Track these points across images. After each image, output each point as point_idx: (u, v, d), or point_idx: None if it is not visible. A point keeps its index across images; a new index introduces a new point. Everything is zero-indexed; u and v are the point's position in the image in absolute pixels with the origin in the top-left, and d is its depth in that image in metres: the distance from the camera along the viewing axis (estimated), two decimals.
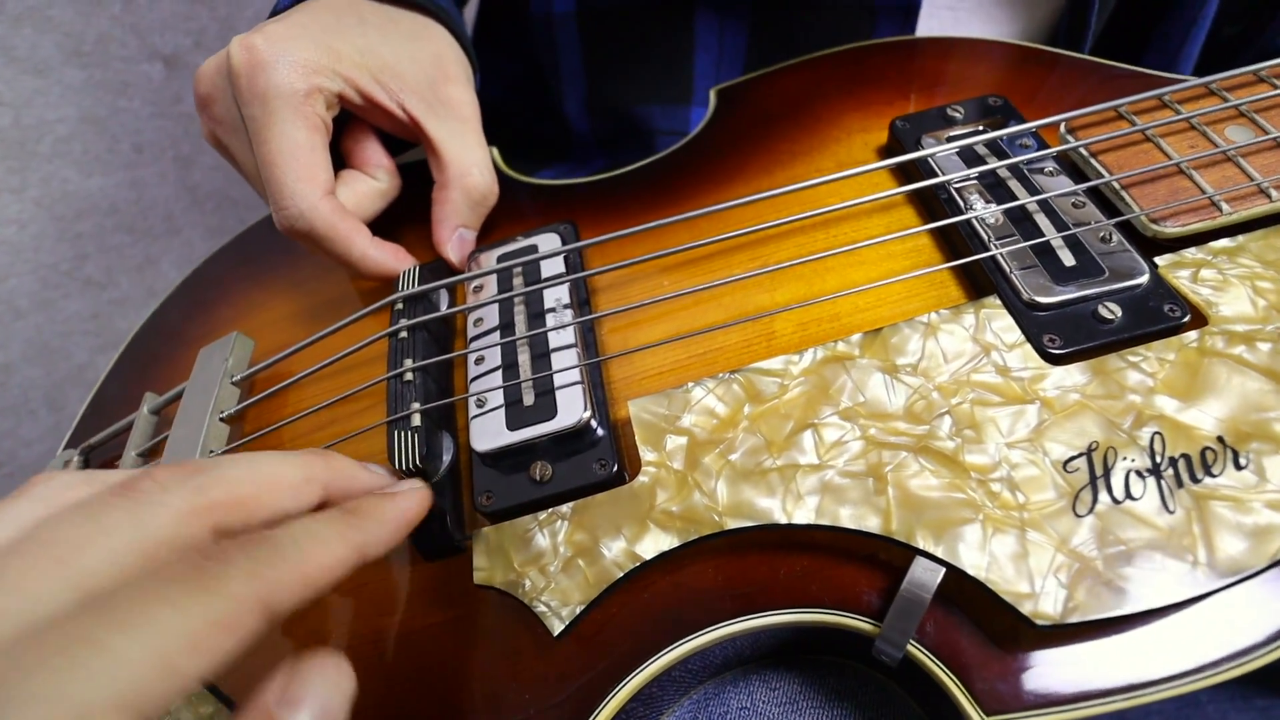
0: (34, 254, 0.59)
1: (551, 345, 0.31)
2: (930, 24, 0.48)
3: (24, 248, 0.58)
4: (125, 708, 0.15)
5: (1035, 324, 0.28)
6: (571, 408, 0.29)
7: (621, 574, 0.26)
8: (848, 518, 0.25)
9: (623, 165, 0.43)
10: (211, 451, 0.35)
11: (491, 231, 0.41)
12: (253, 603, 0.17)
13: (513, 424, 0.29)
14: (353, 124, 0.41)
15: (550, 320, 0.32)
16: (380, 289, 0.39)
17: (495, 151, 0.43)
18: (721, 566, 0.27)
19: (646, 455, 0.28)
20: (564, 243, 0.35)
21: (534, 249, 0.35)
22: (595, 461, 0.28)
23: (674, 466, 0.28)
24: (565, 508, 0.28)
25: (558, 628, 0.25)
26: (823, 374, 0.29)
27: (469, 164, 0.39)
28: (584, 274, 0.33)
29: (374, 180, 0.40)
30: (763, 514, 0.26)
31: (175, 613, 0.16)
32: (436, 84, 0.39)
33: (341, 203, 0.37)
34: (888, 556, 0.26)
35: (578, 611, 0.26)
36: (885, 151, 0.38)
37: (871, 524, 0.25)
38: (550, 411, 0.29)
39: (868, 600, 0.26)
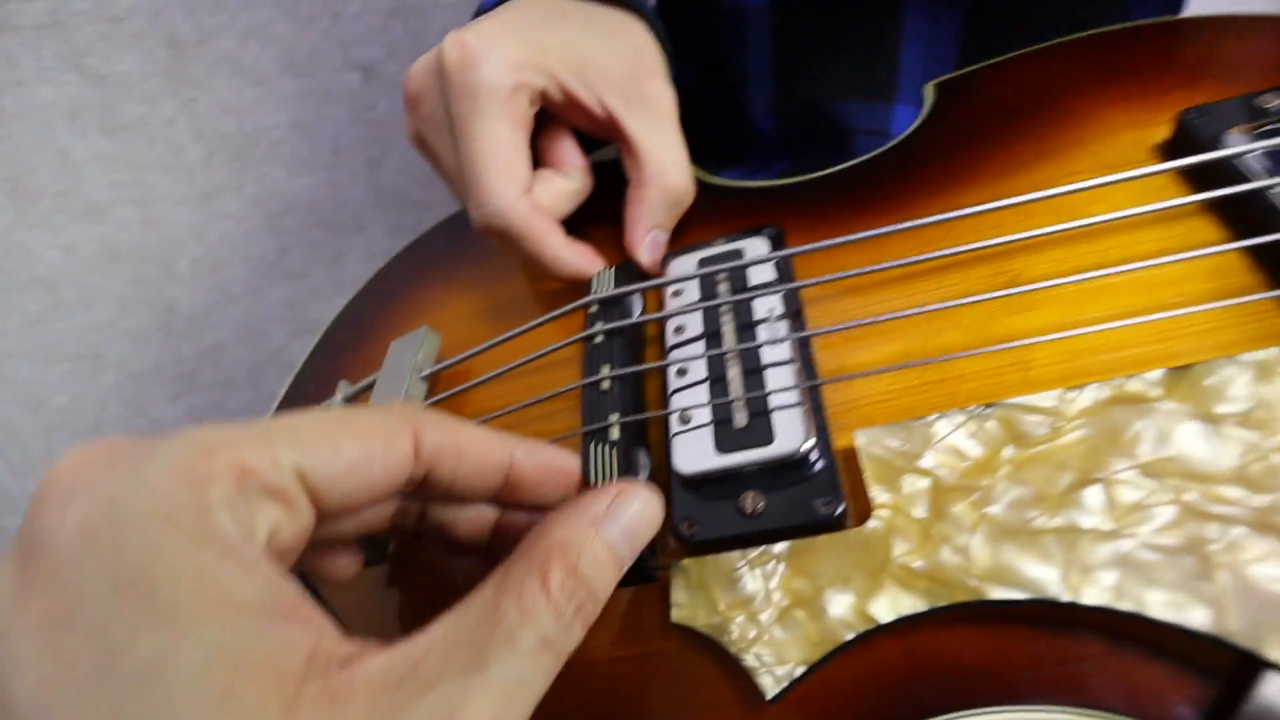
0: (246, 246, 0.64)
1: (764, 361, 0.28)
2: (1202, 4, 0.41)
3: (239, 240, 0.64)
4: None
5: None
6: (790, 433, 0.25)
7: (852, 635, 0.22)
8: (1160, 606, 0.20)
9: (810, 168, 0.39)
10: None
11: (680, 237, 0.38)
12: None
13: (723, 446, 0.26)
14: (548, 122, 0.40)
15: (763, 334, 0.28)
16: (566, 291, 0.38)
17: None
18: (971, 639, 0.22)
19: (879, 496, 0.24)
20: (773, 248, 0.32)
21: (739, 254, 0.32)
22: (818, 498, 0.25)
23: (914, 514, 0.23)
24: (780, 547, 0.24)
25: (772, 689, 0.22)
26: (1109, 416, 0.23)
27: (667, 162, 0.36)
28: (799, 284, 0.29)
29: (568, 180, 0.39)
30: (1034, 585, 0.21)
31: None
32: (637, 80, 0.38)
33: (538, 201, 0.36)
34: (1211, 661, 0.20)
35: (797, 674, 0.22)
36: (1168, 150, 0.32)
37: (1197, 619, 0.19)
38: (765, 435, 0.25)
39: (1177, 714, 0.20)
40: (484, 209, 0.34)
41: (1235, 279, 0.26)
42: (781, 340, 0.28)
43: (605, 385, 0.28)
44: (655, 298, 0.36)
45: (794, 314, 0.30)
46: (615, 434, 0.27)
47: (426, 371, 0.38)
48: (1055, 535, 0.22)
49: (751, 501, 0.25)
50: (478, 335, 0.37)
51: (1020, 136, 0.35)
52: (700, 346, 0.29)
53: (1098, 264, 0.28)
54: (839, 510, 0.24)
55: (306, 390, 0.48)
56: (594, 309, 0.32)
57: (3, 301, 0.55)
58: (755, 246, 0.33)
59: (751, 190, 0.40)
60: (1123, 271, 0.27)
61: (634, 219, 0.36)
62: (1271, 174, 0.26)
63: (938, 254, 0.28)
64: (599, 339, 0.30)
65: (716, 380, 0.28)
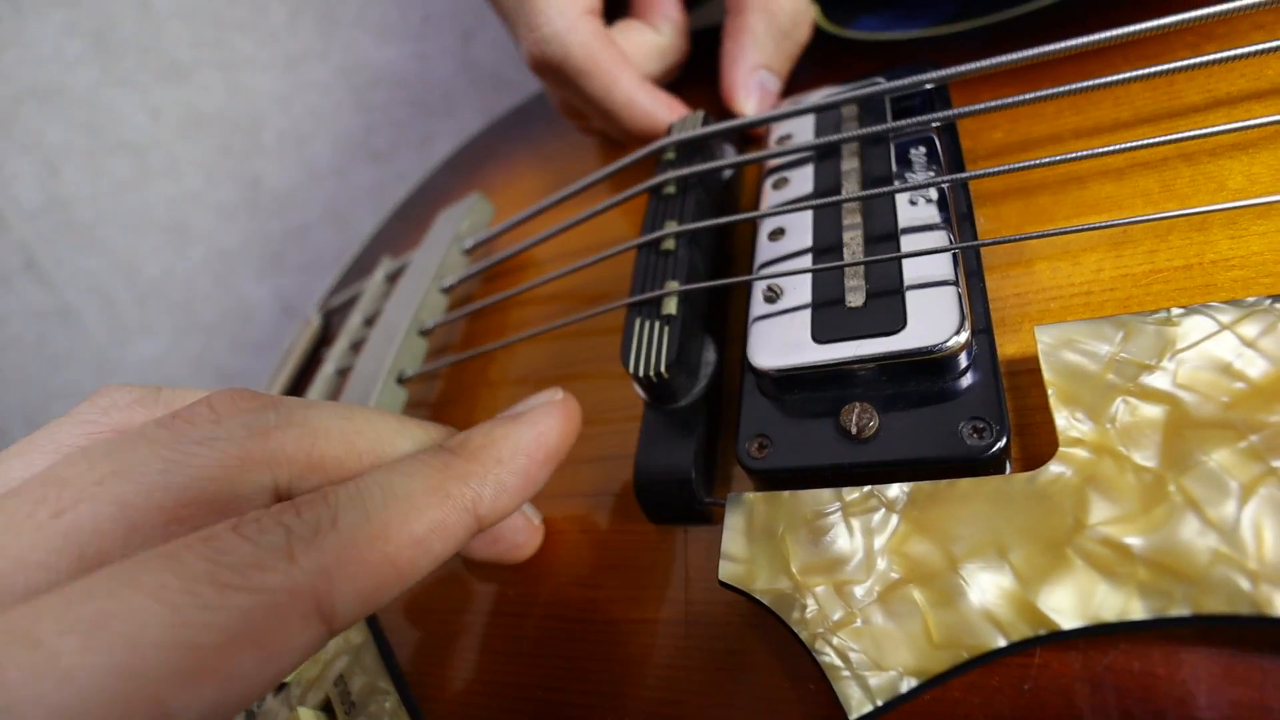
0: (333, 121, 0.60)
1: (902, 224, 0.18)
2: None
3: (325, 114, 0.60)
4: None
5: None
6: (936, 319, 0.16)
7: (1004, 643, 0.14)
8: None
9: (983, 12, 0.27)
10: (423, 324, 0.28)
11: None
12: (290, 602, 0.11)
13: (824, 333, 0.17)
14: None
15: (906, 182, 0.19)
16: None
17: None
18: (1211, 678, 0.13)
19: (1071, 427, 0.15)
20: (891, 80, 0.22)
21: (875, 85, 0.23)
22: (966, 421, 0.16)
23: (1133, 457, 0.14)
24: (895, 491, 0.16)
25: (860, 706, 0.14)
26: None
27: None
28: (955, 112, 0.19)
29: (657, 34, 0.30)
30: None
31: (150, 620, 0.10)
32: None
33: (607, 31, 0.28)
34: None
35: (904, 689, 0.14)
36: None
37: None
38: (894, 321, 0.17)
39: None
40: (538, 32, 0.26)
41: None
42: (929, 187, 0.18)
43: (669, 244, 0.20)
44: (762, 146, 0.27)
45: (956, 166, 0.20)
46: (672, 306, 0.19)
47: (470, 243, 0.31)
48: None
49: (859, 418, 0.17)
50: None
51: None
52: (805, 203, 0.20)
53: None
54: (1000, 443, 0.15)
55: (361, 271, 0.43)
56: (669, 155, 0.24)
57: (93, 164, 0.55)
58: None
59: (891, 44, 0.29)
60: None
61: (733, 55, 0.27)
62: None
63: (1182, 64, 0.17)
64: (669, 189, 0.22)
65: (827, 249, 0.19)
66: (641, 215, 0.23)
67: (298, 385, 0.38)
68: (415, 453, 0.14)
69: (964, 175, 0.18)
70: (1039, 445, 0.16)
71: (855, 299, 0.18)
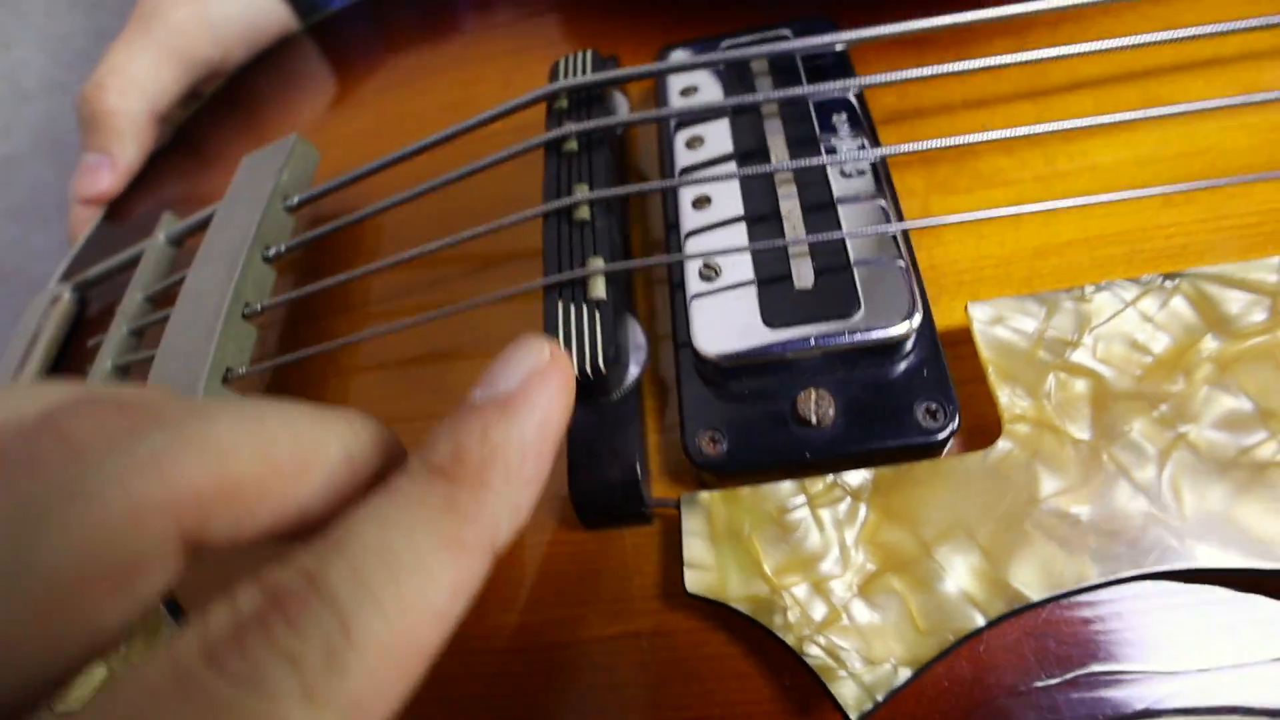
0: (44, 21, 0.46)
1: (838, 194, 0.18)
2: None
3: (30, 11, 0.45)
4: None
5: None
6: (888, 300, 0.16)
7: (985, 621, 0.14)
8: None
9: None
10: (248, 306, 0.23)
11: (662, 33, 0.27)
12: None
13: (775, 316, 0.16)
14: None
15: (836, 153, 0.18)
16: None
17: None
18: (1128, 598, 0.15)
19: (1013, 404, 0.16)
20: (796, 33, 0.21)
21: (782, 39, 0.22)
22: (919, 404, 0.16)
23: (1070, 431, 0.15)
24: (856, 478, 0.16)
25: (860, 705, 0.14)
26: None
27: None
28: (875, 79, 0.19)
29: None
30: (1272, 546, 0.14)
31: None
32: None
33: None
34: None
35: (899, 681, 0.14)
36: None
37: None
38: (847, 303, 0.16)
39: None
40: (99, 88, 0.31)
41: None
42: (862, 160, 0.18)
43: (582, 214, 0.18)
44: (645, 100, 0.24)
45: (870, 133, 0.20)
46: (599, 289, 0.17)
47: (296, 200, 0.26)
48: None
49: (818, 405, 0.16)
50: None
51: None
52: (730, 167, 0.19)
53: None
54: (953, 424, 0.16)
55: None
56: (561, 104, 0.21)
57: None
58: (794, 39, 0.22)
59: None
60: None
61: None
62: None
63: (1079, 49, 0.19)
64: (570, 145, 0.19)
65: (760, 218, 0.18)
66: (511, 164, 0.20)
67: None
68: (398, 486, 0.11)
69: (903, 149, 0.17)
70: (973, 417, 0.17)
71: (803, 278, 0.17)
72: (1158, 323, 0.16)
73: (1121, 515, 0.14)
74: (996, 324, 0.17)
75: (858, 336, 0.16)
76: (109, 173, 0.33)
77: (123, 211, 0.35)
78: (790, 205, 0.18)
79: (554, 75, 0.22)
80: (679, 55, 0.23)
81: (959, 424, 0.16)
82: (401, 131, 0.29)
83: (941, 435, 0.15)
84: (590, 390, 0.17)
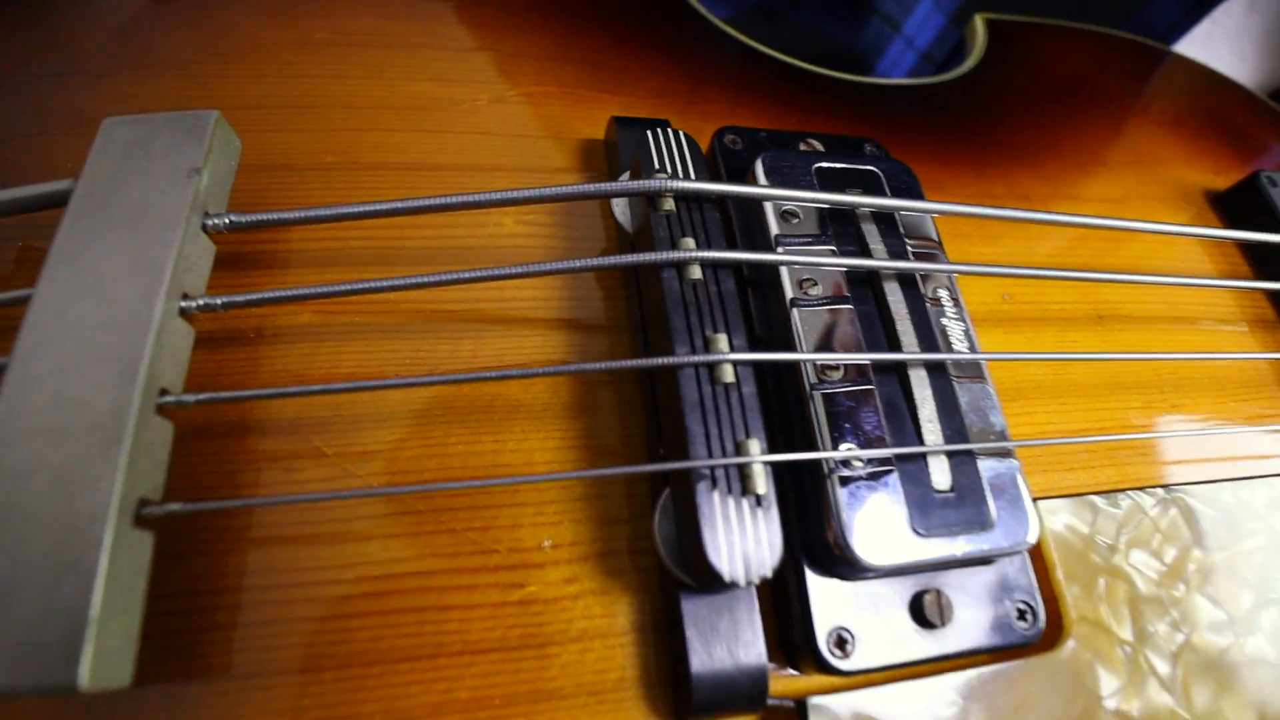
0: None
1: (963, 402, 0.18)
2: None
3: None
4: None
5: None
6: (1015, 514, 0.17)
7: None
8: None
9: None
10: (160, 384, 0.16)
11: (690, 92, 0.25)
12: None
13: (924, 525, 0.16)
14: None
15: (952, 334, 0.19)
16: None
17: None
18: None
19: (1077, 603, 0.18)
20: (887, 180, 0.21)
21: (869, 181, 0.21)
22: (1013, 605, 0.17)
23: (1118, 633, 0.18)
24: (959, 680, 0.16)
25: None
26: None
27: None
28: (974, 268, 0.19)
29: None
30: None
31: None
32: None
33: None
34: None
35: None
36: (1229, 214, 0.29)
37: None
38: (982, 516, 0.16)
39: None
40: None
41: None
42: (970, 358, 0.18)
43: (695, 273, 0.16)
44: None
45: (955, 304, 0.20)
46: (761, 485, 0.15)
47: (228, 220, 0.18)
48: (1250, 668, 0.18)
49: (941, 607, 0.16)
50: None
51: (1082, 132, 0.31)
52: (851, 327, 0.18)
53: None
54: (1040, 624, 0.17)
55: None
56: (667, 205, 0.18)
57: None
58: (864, 168, 0.21)
59: (783, 66, 0.28)
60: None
61: None
62: None
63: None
64: (667, 205, 0.17)
65: (898, 411, 0.17)
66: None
67: None
68: None
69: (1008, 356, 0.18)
70: (1056, 621, 0.18)
71: (940, 480, 0.17)
72: (1163, 530, 0.19)
73: (1155, 712, 0.17)
74: (1068, 529, 0.18)
75: (999, 550, 0.16)
76: None
77: None
78: (925, 394, 0.17)
79: (644, 151, 0.18)
80: (769, 159, 0.20)
81: (1045, 626, 0.17)
82: (344, 121, 0.22)
83: (1033, 636, 0.17)
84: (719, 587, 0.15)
